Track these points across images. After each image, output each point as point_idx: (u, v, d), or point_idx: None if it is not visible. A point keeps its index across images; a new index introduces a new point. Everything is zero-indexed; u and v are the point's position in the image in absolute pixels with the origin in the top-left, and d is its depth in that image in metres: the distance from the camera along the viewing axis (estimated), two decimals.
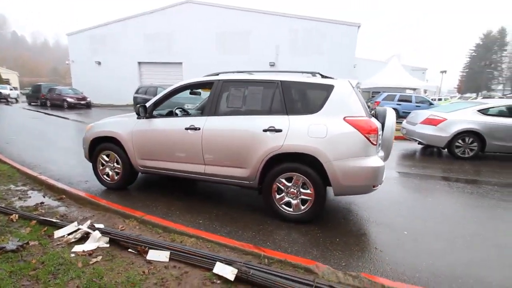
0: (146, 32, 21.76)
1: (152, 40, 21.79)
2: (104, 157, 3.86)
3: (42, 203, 3.29)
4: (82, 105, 18.29)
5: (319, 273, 2.03)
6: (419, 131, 6.80)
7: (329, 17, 18.71)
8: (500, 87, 55.42)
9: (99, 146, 3.87)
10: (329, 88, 2.93)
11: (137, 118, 3.64)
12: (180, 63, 21.61)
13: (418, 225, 3.13)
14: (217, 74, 3.51)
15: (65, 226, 2.64)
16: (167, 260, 2.16)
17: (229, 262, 2.01)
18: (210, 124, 3.22)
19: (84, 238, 2.48)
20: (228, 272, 1.94)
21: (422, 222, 3.21)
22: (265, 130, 2.97)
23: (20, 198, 3.43)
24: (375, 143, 2.80)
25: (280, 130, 2.92)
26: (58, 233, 2.56)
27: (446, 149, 6.57)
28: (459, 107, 6.81)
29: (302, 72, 3.30)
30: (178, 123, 3.41)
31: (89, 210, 3.14)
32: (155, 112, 3.67)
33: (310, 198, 2.93)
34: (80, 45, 23.58)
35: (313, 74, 3.29)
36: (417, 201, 3.97)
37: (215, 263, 2.06)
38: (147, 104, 3.56)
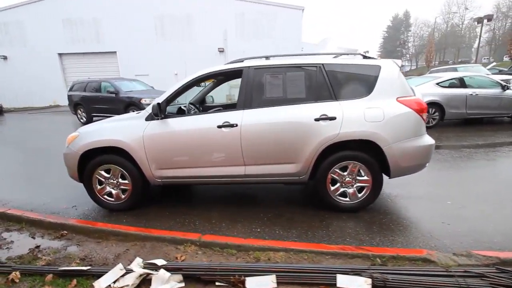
0: (65, 17, 18.28)
1: (74, 26, 18.45)
2: (103, 173, 3.06)
3: (38, 246, 2.43)
4: None
5: (436, 260, 1.97)
6: None
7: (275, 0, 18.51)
8: (407, 63, 64.94)
9: (93, 161, 3.04)
10: (376, 69, 2.81)
11: (146, 119, 2.96)
12: (114, 53, 18.99)
13: (449, 192, 3.36)
14: (242, 61, 3.06)
15: (104, 272, 1.99)
16: (275, 285, 1.81)
17: (357, 272, 1.77)
18: (249, 118, 2.80)
19: (143, 281, 1.92)
20: (362, 283, 1.72)
21: (449, 189, 3.48)
22: (317, 119, 2.72)
23: None
24: (426, 121, 2.84)
25: (334, 118, 2.71)
26: (99, 285, 1.91)
27: None
28: (420, 81, 7.60)
29: (338, 54, 3.10)
30: (207, 121, 2.89)
31: (115, 243, 2.45)
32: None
33: (367, 184, 2.84)
34: None
35: (345, 54, 3.12)
36: (426, 171, 4.28)
37: (333, 277, 1.80)
38: (159, 101, 2.91)
